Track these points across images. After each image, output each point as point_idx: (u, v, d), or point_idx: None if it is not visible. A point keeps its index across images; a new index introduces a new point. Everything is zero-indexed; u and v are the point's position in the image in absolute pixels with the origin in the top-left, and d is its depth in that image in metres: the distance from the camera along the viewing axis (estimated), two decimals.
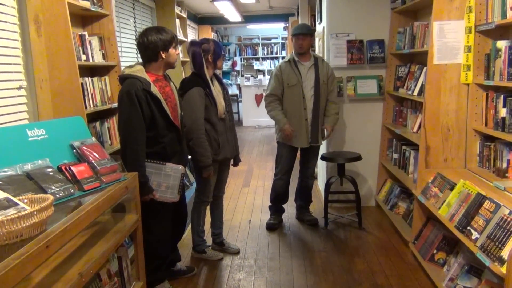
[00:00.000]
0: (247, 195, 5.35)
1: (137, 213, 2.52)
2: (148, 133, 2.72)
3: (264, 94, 4.12)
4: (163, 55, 2.77)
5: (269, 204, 4.37)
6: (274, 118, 4.02)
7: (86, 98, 3.07)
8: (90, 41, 3.28)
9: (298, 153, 4.21)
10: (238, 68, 13.80)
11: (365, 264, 3.43)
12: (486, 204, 2.51)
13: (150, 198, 2.73)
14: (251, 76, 11.45)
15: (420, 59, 4.00)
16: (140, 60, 2.87)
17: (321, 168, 5.32)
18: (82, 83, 2.96)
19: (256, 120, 10.82)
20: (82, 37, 3.16)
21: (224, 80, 3.76)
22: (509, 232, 2.23)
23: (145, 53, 2.77)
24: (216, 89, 3.33)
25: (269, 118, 4.14)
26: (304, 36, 3.97)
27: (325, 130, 4.11)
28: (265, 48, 13.98)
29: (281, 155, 4.17)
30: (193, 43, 3.30)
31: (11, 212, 1.52)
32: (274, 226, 4.24)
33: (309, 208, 4.46)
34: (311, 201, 4.46)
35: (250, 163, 7.08)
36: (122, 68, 2.88)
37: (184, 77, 3.73)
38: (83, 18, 3.45)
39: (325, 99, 4.07)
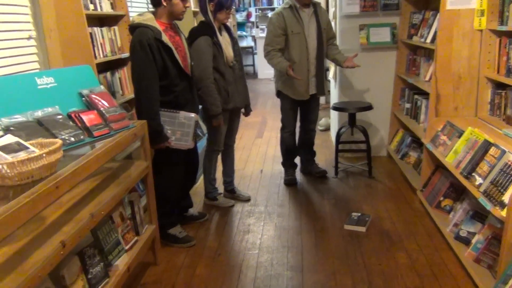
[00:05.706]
0: (260, 145, 5.41)
1: (147, 159, 2.60)
2: (160, 82, 2.76)
3: (264, 44, 3.85)
4: (164, 3, 2.75)
5: (282, 161, 4.26)
6: (276, 65, 3.74)
7: (96, 48, 3.09)
8: None
9: None
10: (253, 19, 13.54)
11: (372, 211, 3.49)
12: (492, 150, 2.51)
13: (165, 146, 2.81)
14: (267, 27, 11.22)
15: (435, 4, 3.86)
16: (151, 9, 2.87)
17: (333, 118, 5.33)
18: (91, 33, 2.98)
19: (272, 72, 10.67)
20: None
21: (238, 32, 3.70)
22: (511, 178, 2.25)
23: None
24: (225, 39, 3.32)
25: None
26: None
27: (347, 66, 3.84)
28: None
29: (284, 108, 4.00)
30: None
31: (21, 154, 1.60)
32: (294, 181, 4.14)
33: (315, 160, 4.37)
34: (315, 153, 4.36)
35: (264, 115, 7.10)
36: (131, 18, 2.89)
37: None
38: None
39: (325, 47, 3.89)
